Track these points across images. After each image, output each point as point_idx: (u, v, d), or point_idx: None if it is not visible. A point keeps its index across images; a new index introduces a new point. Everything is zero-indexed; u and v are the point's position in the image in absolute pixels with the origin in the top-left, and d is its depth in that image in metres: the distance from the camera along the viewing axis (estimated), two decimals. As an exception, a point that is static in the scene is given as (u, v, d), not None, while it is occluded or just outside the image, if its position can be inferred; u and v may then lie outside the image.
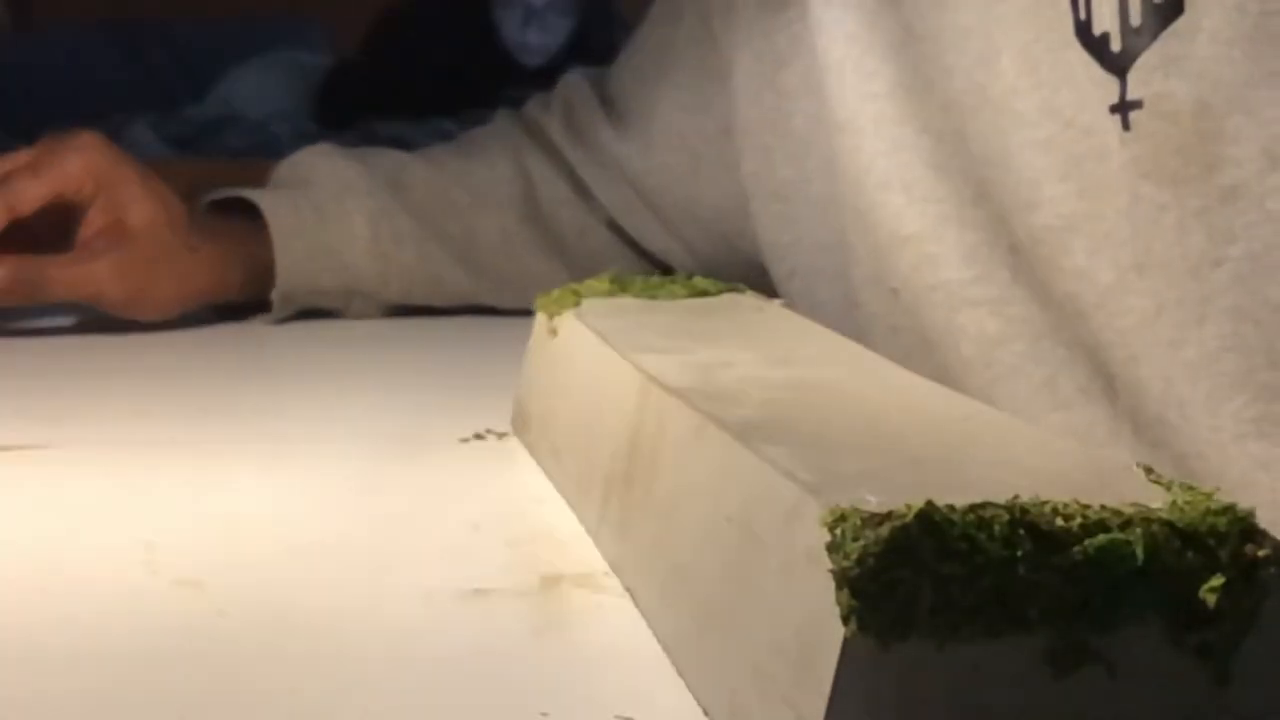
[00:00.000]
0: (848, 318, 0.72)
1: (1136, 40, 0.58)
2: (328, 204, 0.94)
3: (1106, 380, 0.61)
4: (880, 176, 0.68)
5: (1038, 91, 0.61)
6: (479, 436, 0.65)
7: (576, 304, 0.61)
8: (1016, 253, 0.63)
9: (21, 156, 0.88)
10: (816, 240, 0.75)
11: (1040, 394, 0.62)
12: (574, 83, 1.00)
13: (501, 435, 0.65)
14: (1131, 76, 0.58)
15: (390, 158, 0.99)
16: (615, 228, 0.97)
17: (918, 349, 0.67)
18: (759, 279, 0.83)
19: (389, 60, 2.58)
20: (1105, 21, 0.59)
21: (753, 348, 0.53)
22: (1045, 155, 0.61)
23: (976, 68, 0.64)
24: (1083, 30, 0.60)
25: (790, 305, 0.77)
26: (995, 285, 0.64)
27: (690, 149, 0.90)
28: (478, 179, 0.98)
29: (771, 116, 0.78)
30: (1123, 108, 0.58)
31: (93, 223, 0.88)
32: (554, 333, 0.62)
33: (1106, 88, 0.59)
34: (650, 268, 0.96)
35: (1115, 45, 0.58)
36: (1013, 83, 0.62)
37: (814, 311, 0.74)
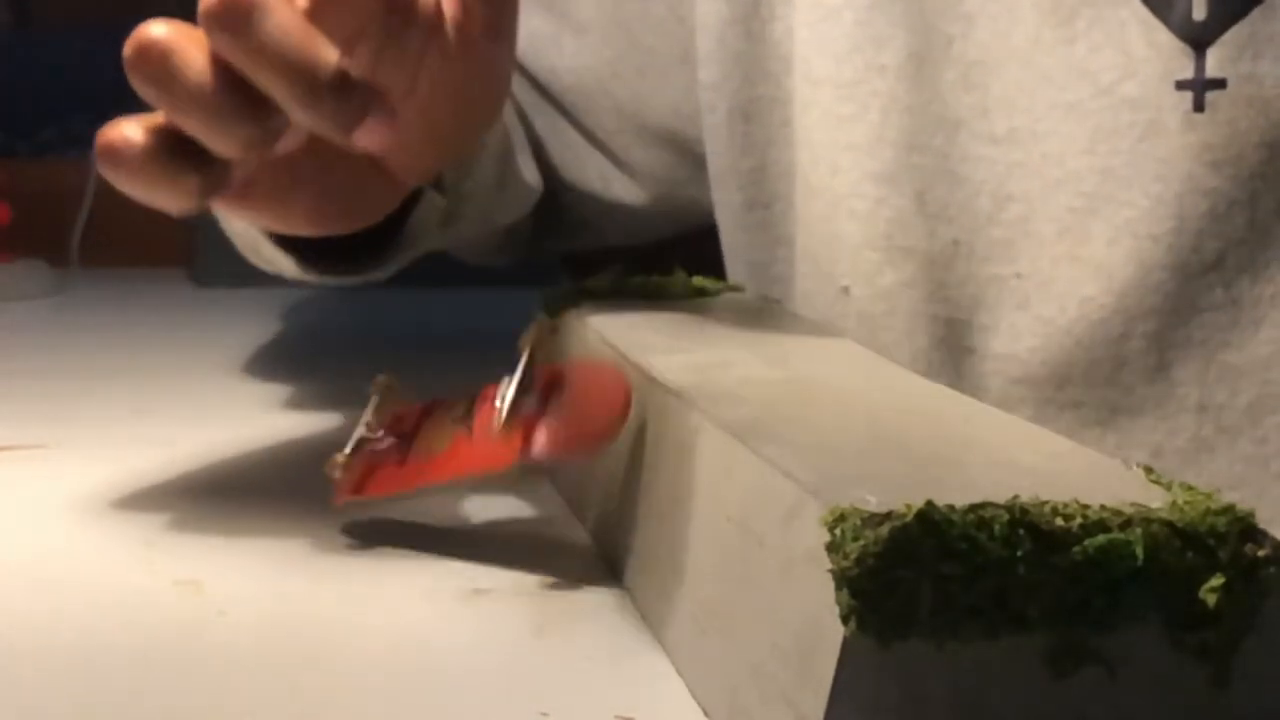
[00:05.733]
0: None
1: (1223, 11, 0.52)
2: None
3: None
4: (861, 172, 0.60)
5: (1068, 46, 0.55)
6: (479, 436, 0.65)
7: (577, 303, 0.61)
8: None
9: None
10: (788, 164, 0.66)
11: None
12: None
13: (501, 435, 0.65)
14: (1213, 52, 0.52)
15: None
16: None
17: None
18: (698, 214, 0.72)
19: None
20: None
21: (753, 348, 0.52)
22: (1069, 122, 0.55)
23: (1001, 13, 0.57)
24: None
25: (744, 242, 0.69)
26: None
27: (636, 40, 0.72)
28: None
29: (747, 19, 0.66)
30: (1197, 85, 0.52)
31: None
32: (554, 331, 0.61)
33: (1175, 59, 0.53)
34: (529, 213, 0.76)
35: (1198, 13, 0.52)
36: (1035, 32, 0.56)
37: (780, 248, 0.67)
